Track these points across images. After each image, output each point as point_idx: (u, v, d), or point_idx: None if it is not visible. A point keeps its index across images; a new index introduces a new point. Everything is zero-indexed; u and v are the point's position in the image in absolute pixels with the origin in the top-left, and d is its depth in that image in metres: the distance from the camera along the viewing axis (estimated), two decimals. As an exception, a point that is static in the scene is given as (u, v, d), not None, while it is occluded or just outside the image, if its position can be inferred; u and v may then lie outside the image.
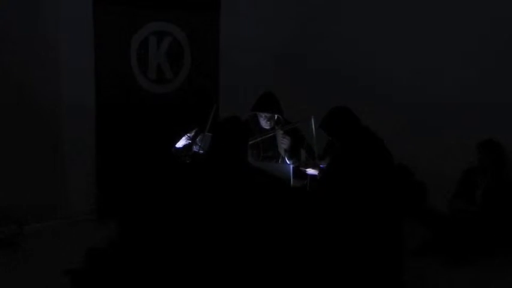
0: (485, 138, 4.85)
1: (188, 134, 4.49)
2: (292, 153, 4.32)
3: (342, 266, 3.45)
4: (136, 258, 3.51)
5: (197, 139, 4.44)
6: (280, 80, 5.81)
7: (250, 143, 4.05)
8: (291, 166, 4.11)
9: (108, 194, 5.30)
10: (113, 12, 5.22)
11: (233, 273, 3.00)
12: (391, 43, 5.80)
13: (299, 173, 4.17)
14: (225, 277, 3.00)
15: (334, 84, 6.06)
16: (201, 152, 4.28)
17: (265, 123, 4.44)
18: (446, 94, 5.41)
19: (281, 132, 4.35)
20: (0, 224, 4.75)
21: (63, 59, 5.03)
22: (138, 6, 5.35)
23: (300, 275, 3.25)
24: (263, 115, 4.41)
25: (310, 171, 4.17)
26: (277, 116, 4.42)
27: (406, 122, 5.63)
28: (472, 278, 4.28)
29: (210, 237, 3.02)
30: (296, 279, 3.22)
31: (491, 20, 5.16)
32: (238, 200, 3.04)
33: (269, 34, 6.20)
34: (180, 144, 4.55)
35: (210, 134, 4.21)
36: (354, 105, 3.85)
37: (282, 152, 4.36)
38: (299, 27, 6.37)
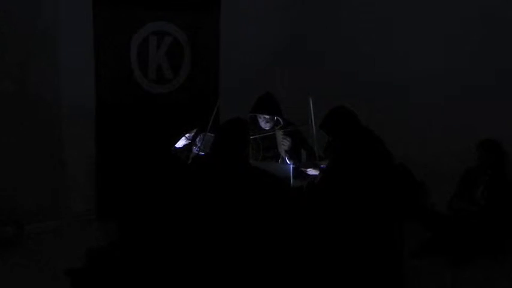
0: (485, 138, 4.86)
1: (188, 134, 4.48)
2: (293, 154, 4.32)
3: (342, 265, 3.45)
4: (136, 258, 3.51)
5: (196, 140, 4.43)
6: (280, 80, 5.80)
7: (251, 138, 4.05)
8: (291, 166, 4.11)
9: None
10: (113, 12, 5.21)
11: (233, 274, 3.00)
12: (391, 43, 5.80)
13: (299, 173, 4.17)
14: (225, 277, 3.00)
15: (334, 84, 6.06)
16: (201, 153, 4.27)
17: (264, 125, 4.43)
18: (447, 94, 5.42)
19: (281, 133, 4.34)
20: (0, 224, 4.75)
21: (63, 59, 5.03)
22: (138, 6, 5.34)
23: (300, 274, 3.26)
24: (262, 117, 4.41)
25: (311, 171, 4.16)
26: (277, 118, 4.41)
27: (406, 121, 5.63)
28: (472, 278, 4.28)
29: (210, 238, 3.02)
30: (297, 279, 3.22)
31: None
32: (239, 201, 3.04)
33: (269, 34, 6.19)
34: (180, 144, 4.54)
35: (210, 135, 4.21)
36: (354, 104, 3.85)
37: (283, 153, 4.36)
38: (299, 27, 6.37)
